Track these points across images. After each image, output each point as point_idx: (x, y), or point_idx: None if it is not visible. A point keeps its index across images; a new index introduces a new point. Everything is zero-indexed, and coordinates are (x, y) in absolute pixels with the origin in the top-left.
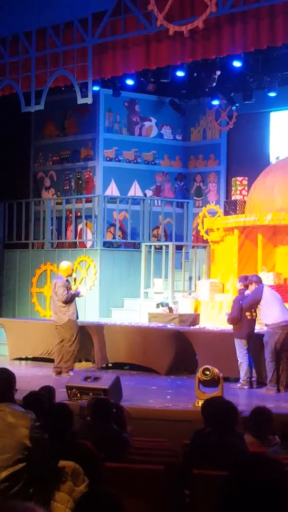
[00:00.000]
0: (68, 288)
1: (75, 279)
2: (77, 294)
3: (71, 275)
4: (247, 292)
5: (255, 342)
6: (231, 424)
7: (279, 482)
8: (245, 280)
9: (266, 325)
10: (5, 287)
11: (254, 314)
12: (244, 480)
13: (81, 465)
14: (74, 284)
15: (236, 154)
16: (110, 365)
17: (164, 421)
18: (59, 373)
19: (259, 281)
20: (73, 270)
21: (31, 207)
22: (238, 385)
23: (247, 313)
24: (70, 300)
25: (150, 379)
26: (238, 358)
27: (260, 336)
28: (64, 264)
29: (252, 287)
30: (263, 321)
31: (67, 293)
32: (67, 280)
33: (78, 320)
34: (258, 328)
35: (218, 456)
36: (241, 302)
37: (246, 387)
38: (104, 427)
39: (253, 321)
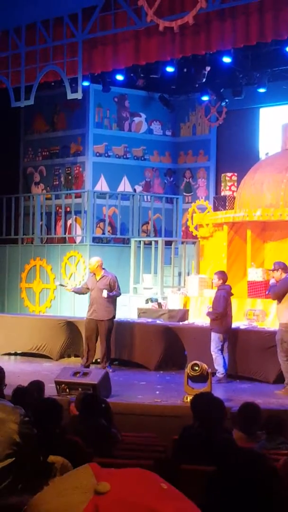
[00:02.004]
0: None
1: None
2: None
3: (95, 272)
4: (272, 281)
5: (231, 337)
6: (219, 419)
7: (265, 477)
8: (223, 275)
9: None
10: None
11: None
12: (231, 475)
13: (70, 460)
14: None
15: (226, 150)
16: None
17: (153, 416)
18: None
19: (286, 268)
20: (94, 266)
21: (20, 202)
22: (216, 379)
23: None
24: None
25: (139, 375)
26: (212, 352)
27: (236, 331)
28: (91, 260)
29: (278, 274)
30: (279, 318)
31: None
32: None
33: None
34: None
35: (207, 452)
36: (268, 291)
37: (224, 381)
38: (92, 422)
39: (231, 317)
